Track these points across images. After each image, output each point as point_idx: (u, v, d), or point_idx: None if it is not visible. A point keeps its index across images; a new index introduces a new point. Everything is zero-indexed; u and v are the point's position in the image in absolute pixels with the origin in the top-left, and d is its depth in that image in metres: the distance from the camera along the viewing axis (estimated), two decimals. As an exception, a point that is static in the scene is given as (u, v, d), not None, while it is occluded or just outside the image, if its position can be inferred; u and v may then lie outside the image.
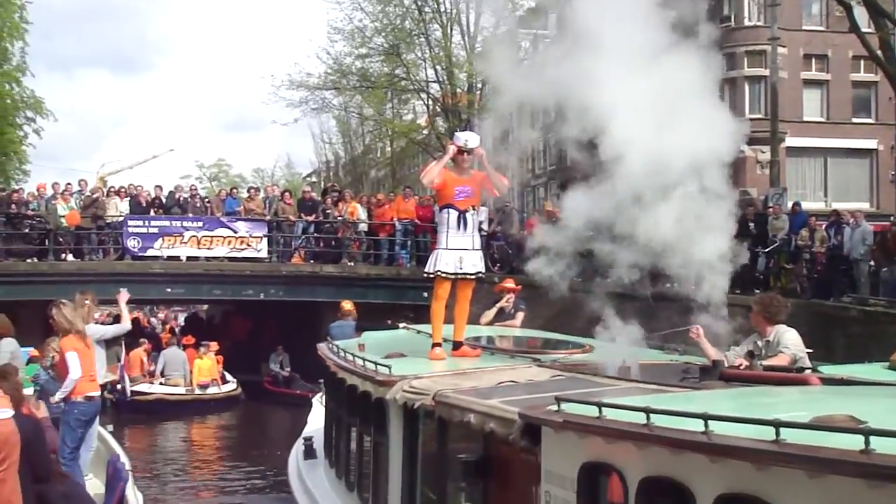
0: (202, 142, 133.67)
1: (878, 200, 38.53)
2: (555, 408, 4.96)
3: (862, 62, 38.33)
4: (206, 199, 28.48)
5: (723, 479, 3.86)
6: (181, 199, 26.51)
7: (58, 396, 9.48)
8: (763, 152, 36.39)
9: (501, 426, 5.53)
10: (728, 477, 3.83)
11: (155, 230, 25.11)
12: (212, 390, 26.44)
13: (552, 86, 7.44)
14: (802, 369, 6.29)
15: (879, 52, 21.00)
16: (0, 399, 6.18)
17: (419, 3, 36.73)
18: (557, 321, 16.19)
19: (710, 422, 3.84)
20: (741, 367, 6.45)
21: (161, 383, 25.70)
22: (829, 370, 6.43)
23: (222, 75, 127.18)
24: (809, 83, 39.03)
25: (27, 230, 24.80)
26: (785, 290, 19.69)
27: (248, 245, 25.56)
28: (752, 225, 21.25)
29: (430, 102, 38.78)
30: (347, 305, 15.08)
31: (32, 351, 13.85)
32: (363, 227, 26.55)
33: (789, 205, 23.74)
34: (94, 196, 25.61)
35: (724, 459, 3.78)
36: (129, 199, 25.90)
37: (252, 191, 28.91)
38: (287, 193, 28.28)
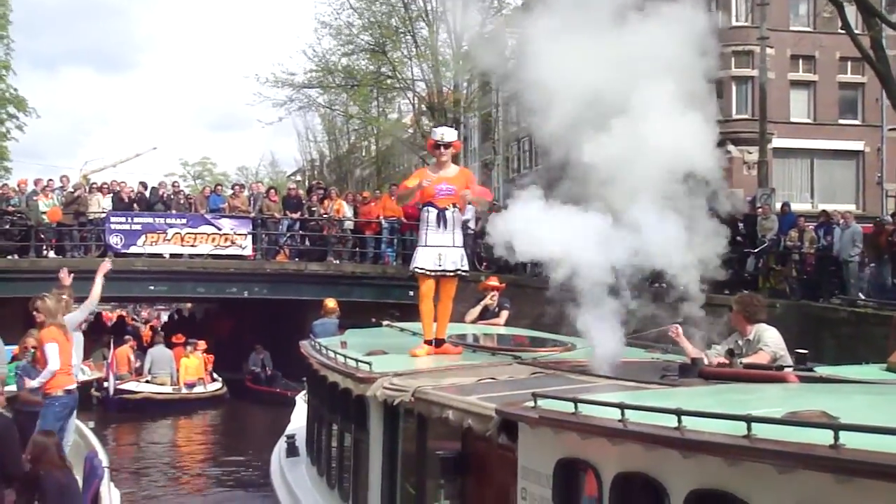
0: (186, 141, 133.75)
1: (864, 202, 38.72)
2: (531, 404, 5.00)
3: (849, 63, 38.53)
4: (190, 197, 28.39)
5: (695, 474, 3.90)
6: (165, 195, 26.44)
7: (34, 383, 9.47)
8: (750, 153, 36.55)
9: (479, 422, 5.56)
10: (700, 472, 3.86)
11: (138, 227, 25.00)
12: (198, 389, 26.39)
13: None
14: (782, 367, 6.33)
15: (871, 52, 21.06)
16: None
17: (406, 1, 36.78)
18: (546, 320, 16.26)
19: (683, 417, 3.87)
20: (720, 365, 6.50)
21: (147, 381, 25.61)
22: (825, 371, 6.43)
23: (207, 74, 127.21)
24: (796, 84, 39.19)
25: (7, 226, 24.65)
26: (774, 290, 19.79)
27: (233, 242, 25.49)
28: (740, 225, 21.33)
29: (416, 101, 38.84)
30: (331, 303, 15.13)
31: (16, 349, 13.79)
32: (349, 224, 26.53)
33: (777, 206, 23.82)
34: (76, 192, 25.50)
35: (696, 455, 3.82)
36: (111, 195, 25.77)
37: (237, 188, 28.81)
38: (272, 190, 28.21)
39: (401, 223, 25.63)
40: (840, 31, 22.94)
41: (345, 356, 8.53)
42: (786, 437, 3.45)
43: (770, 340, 7.08)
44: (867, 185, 39.29)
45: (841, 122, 39.57)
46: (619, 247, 6.99)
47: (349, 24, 37.78)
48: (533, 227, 7.21)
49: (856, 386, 5.76)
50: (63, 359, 9.38)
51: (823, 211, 22.33)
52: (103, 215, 25.00)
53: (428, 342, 8.96)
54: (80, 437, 10.77)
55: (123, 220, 25.04)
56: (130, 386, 25.00)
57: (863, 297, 18.60)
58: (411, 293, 9.13)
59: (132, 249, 24.71)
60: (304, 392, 14.37)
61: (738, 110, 38.16)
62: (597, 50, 6.99)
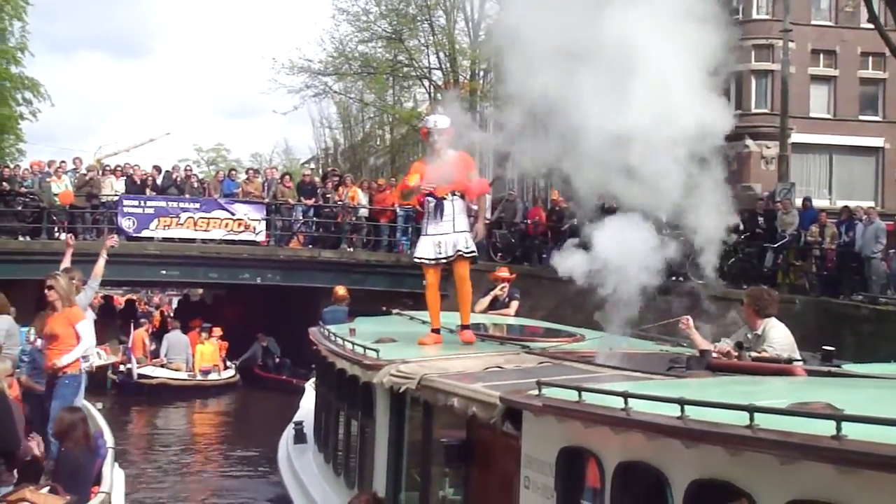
0: (200, 127, 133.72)
1: (883, 199, 38.47)
2: (536, 392, 5.01)
3: (870, 59, 38.26)
4: (204, 181, 28.42)
5: (697, 464, 3.90)
6: (178, 179, 26.48)
7: (65, 359, 9.45)
8: (768, 147, 36.37)
9: (484, 410, 5.58)
10: (702, 462, 3.87)
11: (151, 210, 25.04)
12: (213, 376, 26.46)
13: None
14: (791, 360, 6.31)
15: None
16: None
17: (423, -12, 36.77)
18: (561, 312, 16.27)
19: (686, 407, 3.87)
20: (727, 356, 6.49)
21: (162, 367, 25.75)
22: (853, 369, 6.36)
23: (221, 61, 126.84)
24: (817, 79, 38.91)
25: (20, 208, 24.79)
26: (793, 286, 19.68)
27: (246, 228, 25.51)
28: (760, 220, 21.21)
29: (432, 90, 38.79)
30: (341, 290, 15.15)
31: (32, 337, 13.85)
32: (363, 212, 26.51)
33: (797, 201, 23.68)
34: (89, 175, 25.55)
35: (698, 445, 3.82)
36: (124, 178, 25.83)
37: (251, 173, 28.83)
38: (287, 176, 28.10)
39: (416, 211, 25.58)
40: (862, 26, 22.86)
41: (353, 343, 8.58)
42: (789, 428, 3.44)
43: (776, 340, 7.04)
44: (886, 181, 39.05)
45: (861, 118, 39.31)
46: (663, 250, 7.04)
47: (366, 10, 37.79)
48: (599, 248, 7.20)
49: (865, 380, 5.75)
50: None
51: (845, 207, 22.16)
52: (116, 198, 25.05)
53: (435, 331, 9.00)
54: (88, 417, 10.83)
55: (136, 203, 25.08)
56: (147, 371, 25.08)
57: (887, 295, 18.42)
58: (425, 282, 9.18)
59: (144, 233, 24.76)
60: (313, 379, 14.43)
61: (757, 104, 37.95)
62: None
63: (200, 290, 44.18)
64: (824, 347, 6.98)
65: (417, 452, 7.30)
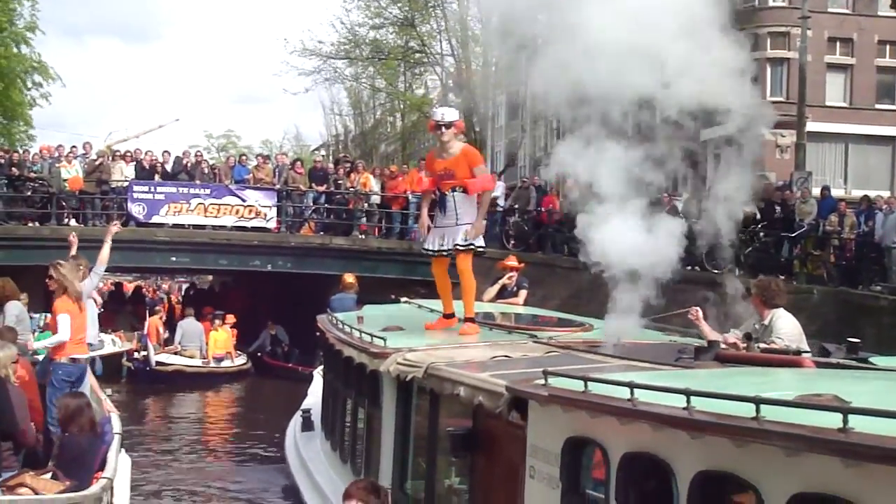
0: (210, 114, 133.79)
1: (900, 189, 38.30)
2: (542, 382, 5.01)
3: (888, 47, 38.01)
4: (215, 167, 28.37)
5: (702, 455, 3.89)
6: (188, 165, 26.48)
7: (37, 345, 9.56)
8: (783, 136, 36.15)
9: (490, 399, 5.59)
10: (708, 454, 3.86)
11: (161, 196, 25.02)
12: (225, 364, 26.54)
13: None
14: (800, 352, 6.29)
15: None
16: None
17: (435, -26, 36.67)
18: (574, 302, 16.22)
19: (692, 398, 3.87)
20: (734, 347, 6.48)
21: (176, 354, 25.86)
22: (881, 361, 6.29)
23: (231, 47, 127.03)
24: (833, 67, 38.65)
25: (29, 193, 24.84)
26: (811, 276, 19.52)
27: (257, 214, 25.51)
28: (777, 208, 21.05)
29: (444, 76, 38.71)
30: (349, 278, 15.14)
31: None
32: (376, 199, 26.46)
33: (815, 190, 23.51)
34: (99, 160, 25.55)
35: (704, 436, 3.81)
36: (134, 163, 25.83)
37: (261, 159, 28.83)
38: (298, 162, 28.06)
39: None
40: (880, 13, 22.67)
41: (360, 331, 8.59)
42: (795, 420, 3.43)
43: (783, 330, 7.02)
44: (902, 171, 38.85)
45: (878, 106, 39.07)
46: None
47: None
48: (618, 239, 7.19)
49: (873, 372, 5.71)
50: (75, 328, 9.48)
51: (865, 196, 21.95)
52: (126, 184, 25.06)
53: (447, 316, 9.07)
54: (97, 404, 10.88)
55: (146, 189, 25.06)
56: (162, 358, 25.14)
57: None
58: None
59: (154, 219, 24.75)
60: (321, 367, 14.48)
61: (772, 92, 37.71)
62: None
63: (210, 277, 44.32)
64: (849, 339, 6.88)
65: (424, 441, 7.31)
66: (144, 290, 46.13)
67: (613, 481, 4.48)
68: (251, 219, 25.42)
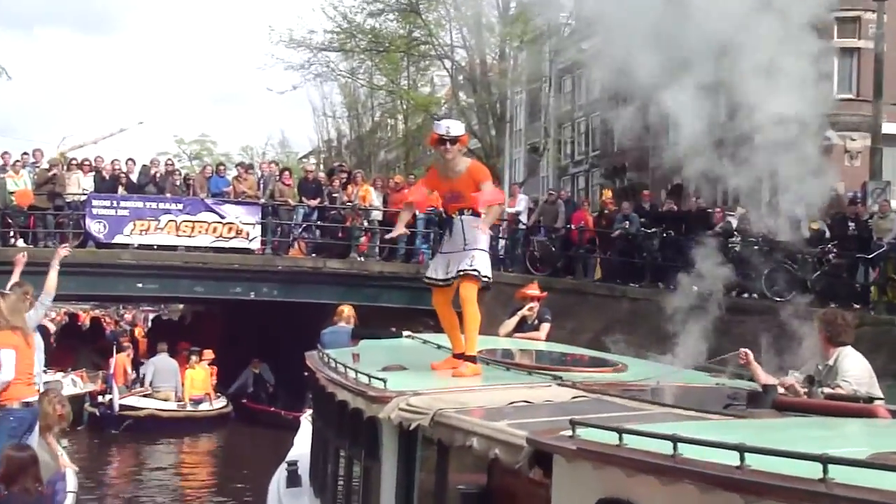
0: (181, 115, 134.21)
1: None
2: (569, 433, 4.98)
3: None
4: (188, 178, 28.43)
5: (759, 523, 3.86)
6: (157, 176, 26.55)
7: None
8: (853, 139, 36.07)
9: (508, 453, 5.56)
10: (765, 521, 3.82)
11: (125, 212, 25.07)
12: (204, 406, 26.46)
13: None
14: (872, 399, 6.26)
15: None
16: None
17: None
18: (610, 336, 16.17)
19: (746, 455, 3.84)
20: (791, 391, 6.45)
21: (147, 396, 25.75)
22: None
23: (205, 37, 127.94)
24: (914, 58, 38.66)
25: (-30, 209, 24.91)
26: (891, 305, 19.31)
27: (238, 233, 25.55)
28: (851, 225, 20.91)
29: (454, 71, 38.82)
30: (346, 309, 15.14)
31: None
32: (377, 215, 26.43)
33: (893, 203, 23.35)
34: (52, 170, 25.48)
35: (760, 500, 3.78)
36: (93, 174, 25.88)
37: (243, 168, 28.89)
38: (286, 172, 28.06)
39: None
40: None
41: (356, 371, 8.58)
42: (868, 483, 3.40)
43: (849, 373, 6.99)
44: None
45: (965, 104, 38.99)
46: None
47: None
48: None
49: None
50: (22, 367, 9.46)
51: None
52: (83, 198, 25.10)
53: (457, 356, 9.04)
54: (50, 458, 10.88)
55: (108, 203, 25.12)
56: (131, 401, 25.11)
57: None
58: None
59: (117, 239, 24.84)
60: (310, 412, 14.46)
61: (839, 89, 37.65)
62: None
63: (182, 306, 44.37)
64: None
65: (430, 500, 7.29)
66: (103, 320, 46.21)
67: (653, 552, 4.45)
68: (231, 238, 25.48)
